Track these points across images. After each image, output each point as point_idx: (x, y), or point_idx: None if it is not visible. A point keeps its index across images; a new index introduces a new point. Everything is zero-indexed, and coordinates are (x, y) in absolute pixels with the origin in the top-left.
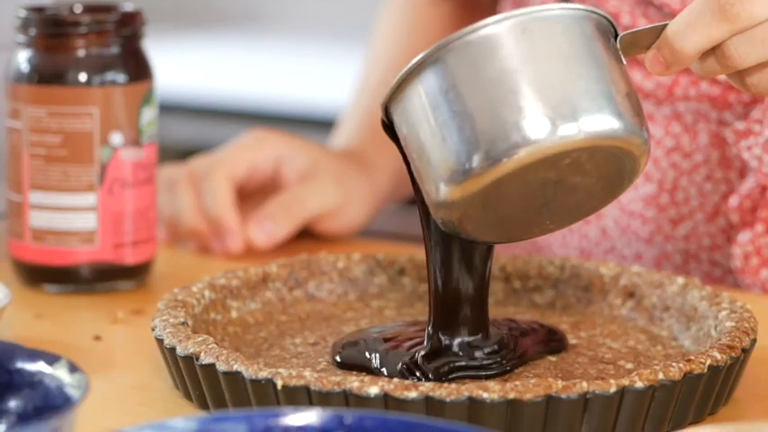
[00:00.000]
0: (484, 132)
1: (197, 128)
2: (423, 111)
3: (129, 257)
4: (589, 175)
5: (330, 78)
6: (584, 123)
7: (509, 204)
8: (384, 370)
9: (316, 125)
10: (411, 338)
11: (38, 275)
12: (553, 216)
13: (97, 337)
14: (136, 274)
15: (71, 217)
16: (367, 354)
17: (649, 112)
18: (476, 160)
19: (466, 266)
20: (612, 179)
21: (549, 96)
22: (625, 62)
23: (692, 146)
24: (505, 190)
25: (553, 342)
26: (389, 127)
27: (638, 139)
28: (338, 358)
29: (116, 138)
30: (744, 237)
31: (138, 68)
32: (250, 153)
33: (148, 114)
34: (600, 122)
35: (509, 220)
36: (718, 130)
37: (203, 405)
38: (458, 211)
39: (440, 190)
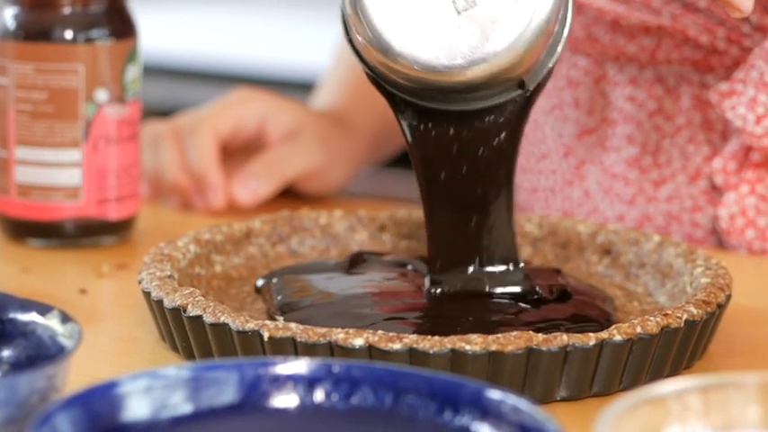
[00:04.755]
0: None
1: (176, 90)
2: None
3: (113, 213)
4: None
5: (311, 41)
6: None
7: None
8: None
9: (296, 87)
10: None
11: (23, 230)
12: None
13: (83, 291)
14: (119, 229)
15: (56, 172)
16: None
17: (632, 75)
18: None
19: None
20: None
21: None
22: None
23: (675, 108)
24: None
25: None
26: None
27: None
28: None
29: (101, 94)
30: (729, 198)
31: (123, 26)
32: (235, 111)
33: (132, 72)
34: None
35: None
36: (700, 93)
37: (190, 356)
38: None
39: None
